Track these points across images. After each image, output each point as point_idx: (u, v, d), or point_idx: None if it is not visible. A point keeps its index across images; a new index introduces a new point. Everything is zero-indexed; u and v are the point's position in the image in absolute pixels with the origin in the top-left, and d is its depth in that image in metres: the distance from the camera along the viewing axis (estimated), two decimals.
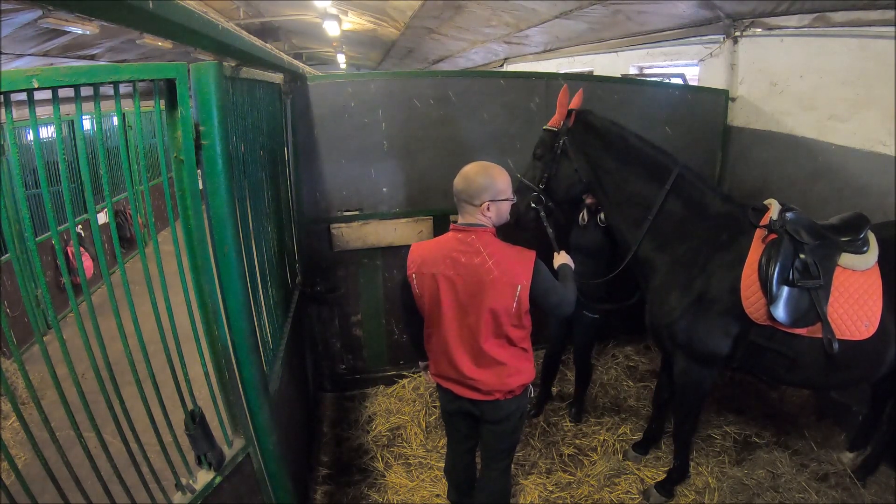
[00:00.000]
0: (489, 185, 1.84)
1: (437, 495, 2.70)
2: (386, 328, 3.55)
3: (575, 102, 2.41)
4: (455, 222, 1.92)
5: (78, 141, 5.45)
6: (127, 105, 6.15)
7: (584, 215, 2.90)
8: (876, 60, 2.72)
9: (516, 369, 1.94)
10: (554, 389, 3.45)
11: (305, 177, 3.14)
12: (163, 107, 1.31)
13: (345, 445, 3.08)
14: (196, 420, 1.47)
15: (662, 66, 5.05)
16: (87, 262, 5.10)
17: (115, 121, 6.55)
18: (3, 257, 4.36)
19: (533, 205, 2.43)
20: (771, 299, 2.05)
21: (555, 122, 2.44)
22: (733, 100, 3.73)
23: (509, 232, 2.15)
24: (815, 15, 3.00)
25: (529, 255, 1.85)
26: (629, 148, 2.35)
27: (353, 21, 9.23)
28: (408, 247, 2.03)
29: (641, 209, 2.34)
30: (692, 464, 2.74)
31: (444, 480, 2.76)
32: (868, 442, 2.72)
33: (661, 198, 2.29)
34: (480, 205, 1.84)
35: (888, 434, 2.58)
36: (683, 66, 4.68)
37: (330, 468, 2.89)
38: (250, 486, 1.74)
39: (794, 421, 3.10)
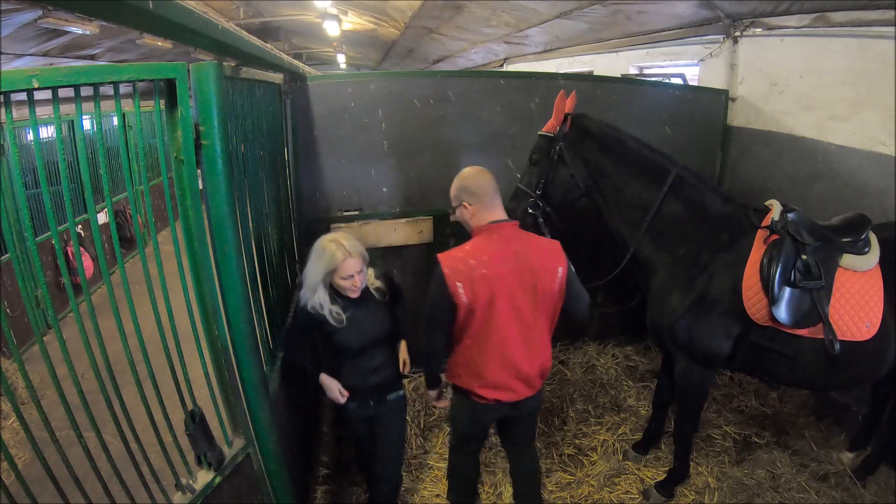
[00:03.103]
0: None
1: (437, 495, 2.70)
2: None
3: (569, 105, 2.41)
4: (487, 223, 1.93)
5: (78, 141, 5.45)
6: (127, 105, 6.15)
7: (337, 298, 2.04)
8: (876, 60, 2.72)
9: (550, 353, 2.03)
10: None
11: (305, 177, 3.14)
12: (163, 107, 1.31)
13: (345, 445, 3.08)
14: (196, 420, 1.48)
15: (662, 66, 5.05)
16: (87, 262, 5.10)
17: (115, 121, 6.55)
18: (3, 257, 4.36)
19: (530, 210, 2.43)
20: (773, 300, 2.05)
21: (550, 126, 2.43)
22: (733, 100, 3.73)
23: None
24: (815, 15, 3.00)
25: (556, 243, 1.95)
26: (626, 151, 2.35)
27: (353, 21, 9.23)
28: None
29: (640, 211, 2.34)
30: (692, 464, 2.73)
31: (443, 480, 2.76)
32: (868, 442, 2.72)
33: (660, 199, 2.29)
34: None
35: (888, 434, 2.58)
36: (683, 66, 4.67)
37: (330, 468, 2.89)
38: (250, 486, 1.74)
39: (794, 421, 3.10)
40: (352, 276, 1.95)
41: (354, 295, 2.01)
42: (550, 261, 1.89)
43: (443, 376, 2.15)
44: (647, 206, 2.32)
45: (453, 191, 1.96)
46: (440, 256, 1.87)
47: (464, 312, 1.85)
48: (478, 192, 1.89)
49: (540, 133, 2.47)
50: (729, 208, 2.30)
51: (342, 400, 2.10)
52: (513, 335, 1.89)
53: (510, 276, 1.84)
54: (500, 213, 1.92)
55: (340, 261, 1.92)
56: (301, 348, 2.15)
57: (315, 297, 1.98)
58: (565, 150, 2.40)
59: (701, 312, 2.23)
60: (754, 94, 3.59)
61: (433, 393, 2.19)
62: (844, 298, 2.05)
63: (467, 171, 1.95)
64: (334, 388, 2.09)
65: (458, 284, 1.81)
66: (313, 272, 1.97)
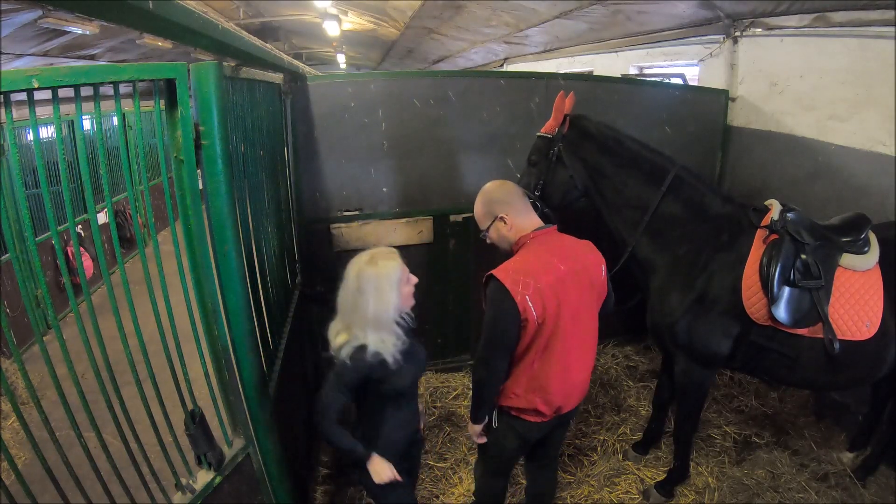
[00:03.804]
0: None
1: (437, 496, 2.70)
2: None
3: (567, 106, 2.41)
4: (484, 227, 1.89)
5: (78, 141, 5.45)
6: (127, 105, 6.15)
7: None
8: (876, 60, 2.72)
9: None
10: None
11: (305, 177, 3.13)
12: (163, 107, 1.31)
13: None
14: (196, 420, 1.48)
15: (662, 66, 5.05)
16: (87, 262, 5.10)
17: (115, 121, 6.54)
18: (3, 257, 4.36)
19: None
20: (772, 299, 2.04)
21: (549, 128, 2.43)
22: (733, 100, 3.73)
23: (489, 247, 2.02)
24: (815, 15, 3.00)
25: (589, 242, 1.91)
26: (626, 151, 2.35)
27: (353, 21, 9.23)
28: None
29: (639, 211, 2.35)
30: (692, 464, 2.74)
31: (443, 481, 2.77)
32: (868, 442, 2.72)
33: (658, 199, 2.29)
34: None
35: (888, 434, 2.58)
36: (683, 66, 4.67)
37: (330, 468, 2.89)
38: (250, 486, 1.74)
39: (794, 421, 3.10)
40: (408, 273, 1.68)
41: (413, 302, 1.72)
42: (595, 258, 1.86)
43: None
44: (645, 206, 2.33)
45: (481, 209, 1.85)
46: (497, 274, 1.67)
47: (533, 328, 1.69)
48: (509, 199, 1.81)
49: (538, 134, 2.47)
50: (728, 208, 2.29)
51: (394, 478, 1.70)
52: (574, 341, 1.79)
53: (570, 278, 1.74)
54: (538, 219, 1.85)
55: (399, 264, 1.62)
56: (342, 422, 1.67)
57: (395, 335, 1.62)
58: (564, 151, 2.39)
59: (700, 312, 2.23)
60: (754, 94, 3.59)
61: (478, 428, 1.93)
62: (844, 298, 2.05)
63: (489, 186, 1.87)
64: (388, 470, 1.69)
65: (527, 298, 1.64)
66: (386, 304, 1.58)
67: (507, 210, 1.80)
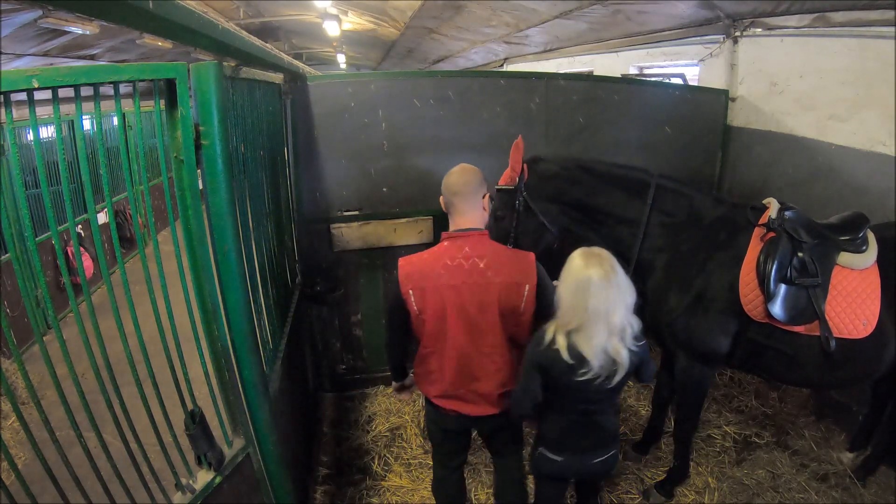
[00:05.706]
0: (482, 177, 1.86)
1: None
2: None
3: (519, 152, 2.31)
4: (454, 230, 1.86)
5: (78, 141, 5.45)
6: (127, 105, 6.14)
7: None
8: (876, 60, 2.72)
9: (516, 374, 1.88)
10: None
11: (305, 177, 3.14)
12: (163, 107, 1.31)
13: (345, 445, 3.08)
14: (196, 420, 1.47)
15: (662, 66, 5.05)
16: (87, 262, 5.10)
17: (115, 121, 6.54)
18: (3, 257, 4.36)
19: None
20: (769, 297, 2.05)
21: (509, 179, 2.33)
22: (733, 100, 3.73)
23: None
24: (815, 15, 3.00)
25: (528, 256, 1.84)
26: (598, 176, 2.35)
27: (353, 21, 9.23)
28: (408, 247, 1.94)
29: (632, 228, 2.35)
30: (692, 464, 2.74)
31: None
32: (868, 442, 2.72)
33: (647, 211, 2.30)
34: (483, 196, 1.84)
35: (888, 434, 2.58)
36: (683, 66, 4.68)
37: (330, 468, 2.89)
38: (250, 486, 1.74)
39: (794, 421, 3.10)
40: None
41: None
42: (516, 276, 1.79)
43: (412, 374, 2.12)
44: (635, 222, 2.32)
45: (442, 194, 1.90)
46: (401, 260, 1.83)
47: (415, 320, 1.85)
48: (456, 190, 1.80)
49: (498, 188, 2.36)
50: (722, 208, 2.31)
51: None
52: (469, 351, 1.83)
53: (464, 289, 1.76)
54: (470, 221, 1.82)
55: None
56: None
57: None
58: (530, 198, 2.33)
59: (699, 310, 2.23)
60: (754, 94, 3.59)
61: (395, 385, 2.22)
62: (841, 296, 2.06)
63: (454, 169, 1.88)
64: None
65: (410, 292, 1.78)
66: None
67: (446, 200, 1.83)
